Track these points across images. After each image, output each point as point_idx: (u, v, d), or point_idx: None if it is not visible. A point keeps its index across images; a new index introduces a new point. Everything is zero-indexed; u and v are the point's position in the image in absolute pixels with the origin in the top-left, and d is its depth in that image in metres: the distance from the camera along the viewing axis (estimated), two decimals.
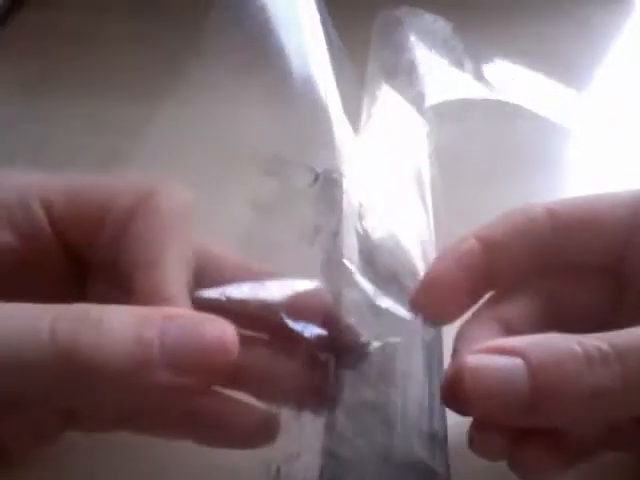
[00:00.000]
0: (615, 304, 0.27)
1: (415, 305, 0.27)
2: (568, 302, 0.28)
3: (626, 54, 0.53)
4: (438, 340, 0.28)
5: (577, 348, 0.22)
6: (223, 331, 0.21)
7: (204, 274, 0.26)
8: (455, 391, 0.23)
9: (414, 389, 0.26)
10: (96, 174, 0.27)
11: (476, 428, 0.24)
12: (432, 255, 0.30)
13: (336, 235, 0.25)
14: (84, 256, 0.26)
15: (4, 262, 0.25)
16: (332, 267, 0.26)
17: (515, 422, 0.23)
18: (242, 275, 0.26)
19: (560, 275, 0.28)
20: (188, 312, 0.23)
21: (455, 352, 0.26)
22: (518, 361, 0.22)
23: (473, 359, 0.23)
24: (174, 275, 0.24)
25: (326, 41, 0.30)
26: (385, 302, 0.27)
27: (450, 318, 0.27)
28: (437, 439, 0.25)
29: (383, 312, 0.27)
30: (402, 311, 0.27)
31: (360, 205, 0.27)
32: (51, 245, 0.25)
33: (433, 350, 0.27)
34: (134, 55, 0.53)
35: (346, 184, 0.27)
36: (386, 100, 0.31)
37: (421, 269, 0.29)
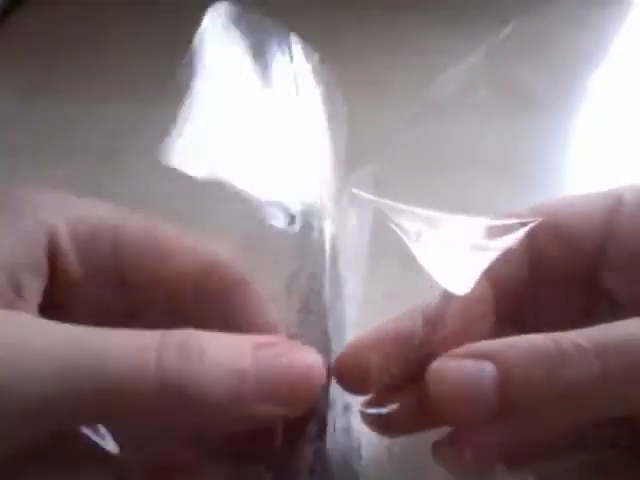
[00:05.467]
0: (588, 315, 0.26)
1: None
2: (542, 315, 0.27)
3: (624, 53, 0.53)
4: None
5: (549, 344, 0.21)
6: (312, 359, 0.22)
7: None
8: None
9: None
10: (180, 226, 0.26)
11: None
12: None
13: (313, 278, 0.24)
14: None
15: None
16: (308, 316, 0.24)
17: (482, 430, 0.22)
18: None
19: (534, 288, 0.27)
20: (278, 339, 0.22)
21: None
22: (487, 364, 0.21)
23: (437, 363, 0.22)
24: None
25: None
26: None
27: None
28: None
29: None
30: None
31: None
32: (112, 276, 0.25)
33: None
34: (134, 55, 0.53)
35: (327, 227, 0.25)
36: None
37: None
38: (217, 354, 0.20)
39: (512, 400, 0.21)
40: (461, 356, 0.22)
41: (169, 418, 0.20)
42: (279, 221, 0.25)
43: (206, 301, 0.25)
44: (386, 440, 0.27)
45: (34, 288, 0.23)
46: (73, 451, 0.22)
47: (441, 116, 0.42)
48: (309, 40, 0.27)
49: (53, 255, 0.24)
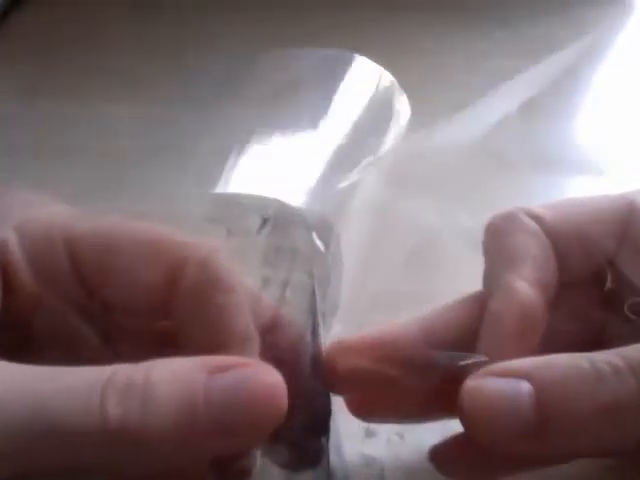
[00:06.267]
0: (602, 315, 0.26)
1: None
2: (559, 314, 0.26)
3: (626, 54, 0.53)
4: None
5: (584, 364, 0.21)
6: (271, 384, 0.20)
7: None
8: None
9: None
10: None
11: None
12: None
13: (286, 286, 0.23)
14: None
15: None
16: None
17: (518, 448, 0.21)
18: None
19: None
20: (236, 360, 0.21)
21: None
22: (522, 383, 0.21)
23: (471, 382, 0.22)
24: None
25: None
26: None
27: None
28: None
29: None
30: None
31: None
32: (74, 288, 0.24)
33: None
34: (134, 55, 0.53)
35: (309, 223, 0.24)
36: None
37: None
38: (165, 388, 0.19)
39: (550, 417, 0.21)
40: (495, 374, 0.22)
41: (120, 461, 0.19)
42: (251, 224, 0.24)
43: (183, 302, 0.23)
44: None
45: None
46: None
47: (441, 116, 0.42)
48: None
49: (6, 273, 0.22)
